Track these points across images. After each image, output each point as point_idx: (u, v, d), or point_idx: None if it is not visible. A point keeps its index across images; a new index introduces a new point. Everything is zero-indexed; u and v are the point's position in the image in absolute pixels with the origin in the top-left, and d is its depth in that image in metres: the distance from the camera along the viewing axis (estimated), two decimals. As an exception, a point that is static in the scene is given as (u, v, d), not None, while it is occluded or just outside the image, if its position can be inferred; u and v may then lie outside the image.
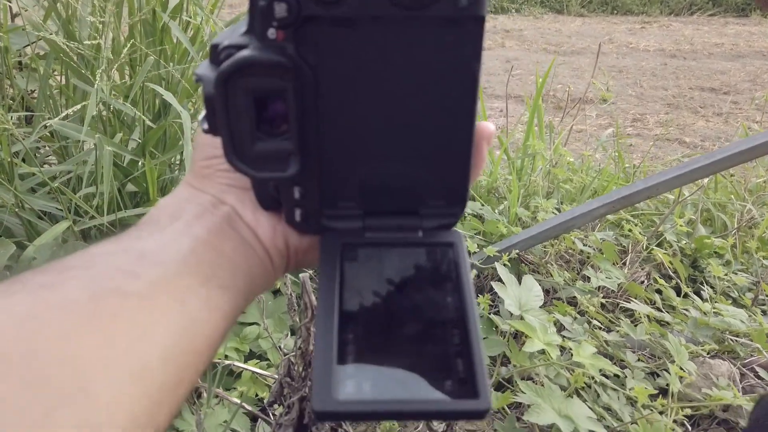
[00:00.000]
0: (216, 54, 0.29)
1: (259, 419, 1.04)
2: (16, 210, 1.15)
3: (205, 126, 0.30)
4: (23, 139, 1.12)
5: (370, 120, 0.30)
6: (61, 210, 1.26)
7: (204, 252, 0.32)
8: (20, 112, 1.43)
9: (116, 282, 0.28)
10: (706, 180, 1.89)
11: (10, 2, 1.44)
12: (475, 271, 1.34)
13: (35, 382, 0.23)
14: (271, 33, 0.27)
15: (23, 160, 1.31)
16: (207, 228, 0.33)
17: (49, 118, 1.18)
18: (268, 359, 1.19)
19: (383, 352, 0.28)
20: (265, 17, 0.26)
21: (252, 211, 0.36)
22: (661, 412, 1.07)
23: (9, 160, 1.09)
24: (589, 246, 1.66)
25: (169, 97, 1.16)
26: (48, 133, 1.46)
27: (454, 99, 0.29)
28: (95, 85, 1.08)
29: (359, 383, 0.26)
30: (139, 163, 1.33)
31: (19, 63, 1.61)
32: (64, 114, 1.04)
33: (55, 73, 1.53)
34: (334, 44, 0.27)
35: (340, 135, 0.30)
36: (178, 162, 1.54)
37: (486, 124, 0.34)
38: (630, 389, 1.12)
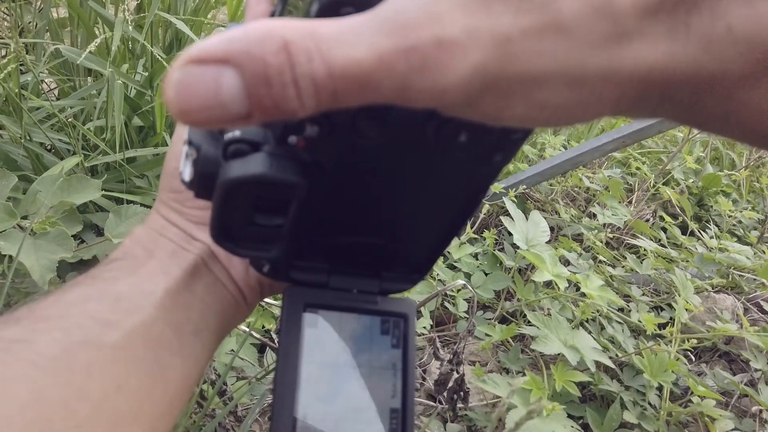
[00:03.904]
0: (224, 136, 0.26)
1: (267, 348, 1.06)
2: (23, 142, 1.15)
3: (187, 178, 0.29)
4: (32, 68, 1.10)
5: (365, 209, 0.30)
6: (69, 144, 1.25)
7: (178, 294, 0.32)
8: (27, 38, 1.40)
9: (90, 333, 0.28)
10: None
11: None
12: (487, 207, 1.34)
13: None
14: (293, 140, 0.24)
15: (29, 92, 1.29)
16: (182, 268, 0.33)
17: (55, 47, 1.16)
18: (276, 292, 1.20)
19: None
20: (292, 128, 0.24)
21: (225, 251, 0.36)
22: (665, 343, 1.08)
23: (17, 90, 1.07)
24: (595, 184, 1.65)
25: (182, 26, 1.13)
26: (49, 69, 1.44)
27: (453, 210, 0.30)
28: (118, 14, 1.06)
29: None
30: (146, 96, 1.31)
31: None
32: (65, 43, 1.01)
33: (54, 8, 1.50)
34: (355, 158, 0.26)
35: (330, 217, 0.30)
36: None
37: None
38: (638, 320, 1.13)
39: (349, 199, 0.29)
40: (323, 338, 0.32)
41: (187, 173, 0.29)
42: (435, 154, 0.25)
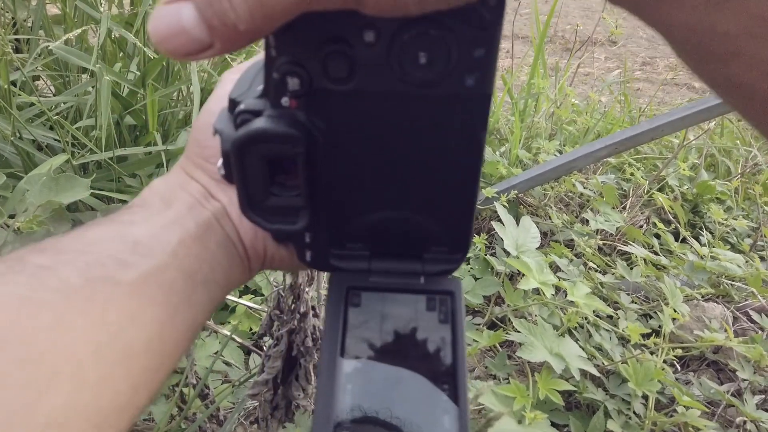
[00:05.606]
0: (234, 112, 0.31)
1: (252, 351, 1.06)
2: (12, 139, 1.14)
3: (222, 172, 0.33)
4: (21, 66, 1.10)
5: (378, 175, 0.31)
6: (59, 141, 1.25)
7: (191, 245, 0.34)
8: (18, 35, 1.40)
9: (109, 270, 0.30)
10: (712, 124, 1.86)
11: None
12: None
13: (31, 361, 0.25)
14: (285, 101, 0.28)
15: (21, 89, 1.29)
16: (196, 222, 0.36)
17: (47, 44, 1.16)
18: (262, 294, 1.20)
19: (378, 412, 0.29)
20: (279, 88, 0.28)
21: (238, 213, 0.37)
22: (651, 352, 1.08)
23: (6, 87, 1.07)
24: (589, 189, 1.64)
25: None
26: (44, 66, 1.44)
27: (460, 161, 0.31)
28: (105, 10, 1.06)
29: None
30: (138, 95, 1.31)
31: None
32: (65, 38, 1.01)
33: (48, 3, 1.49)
34: (344, 112, 0.29)
35: (349, 188, 0.32)
36: (180, 96, 1.52)
37: None
38: (624, 329, 1.13)
39: (361, 168, 0.31)
40: (368, 317, 0.33)
41: (222, 170, 0.33)
42: (414, 98, 0.28)
